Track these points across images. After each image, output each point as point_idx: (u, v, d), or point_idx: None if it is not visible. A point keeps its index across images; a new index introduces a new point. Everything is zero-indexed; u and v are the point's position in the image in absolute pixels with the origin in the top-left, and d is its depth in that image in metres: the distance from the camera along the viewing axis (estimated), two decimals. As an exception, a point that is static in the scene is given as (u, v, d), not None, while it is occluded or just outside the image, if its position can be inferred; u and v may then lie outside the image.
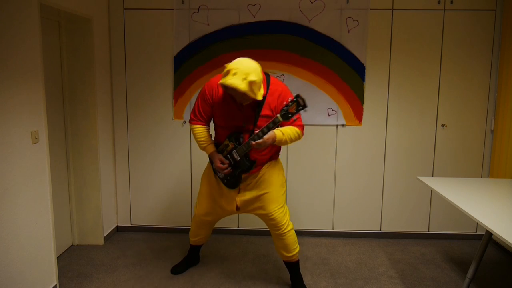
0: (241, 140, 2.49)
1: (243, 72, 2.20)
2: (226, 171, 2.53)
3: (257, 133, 2.37)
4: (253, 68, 2.25)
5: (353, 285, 2.84)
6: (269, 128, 2.34)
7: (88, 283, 2.83)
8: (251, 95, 2.25)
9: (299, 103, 2.27)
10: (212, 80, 2.53)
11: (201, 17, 3.43)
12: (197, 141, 2.62)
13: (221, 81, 2.26)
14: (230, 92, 2.33)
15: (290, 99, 2.31)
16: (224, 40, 3.43)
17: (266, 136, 2.35)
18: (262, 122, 2.44)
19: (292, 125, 2.50)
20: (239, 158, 2.51)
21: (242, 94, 2.28)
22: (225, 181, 2.61)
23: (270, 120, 2.44)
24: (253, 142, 2.36)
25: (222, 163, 2.53)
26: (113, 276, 2.93)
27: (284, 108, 2.30)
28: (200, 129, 2.59)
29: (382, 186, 3.61)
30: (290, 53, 3.42)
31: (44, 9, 2.70)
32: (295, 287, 2.76)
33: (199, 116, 2.58)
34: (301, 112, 2.33)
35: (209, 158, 2.69)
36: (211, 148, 2.59)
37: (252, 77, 2.21)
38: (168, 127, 3.59)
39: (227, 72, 2.24)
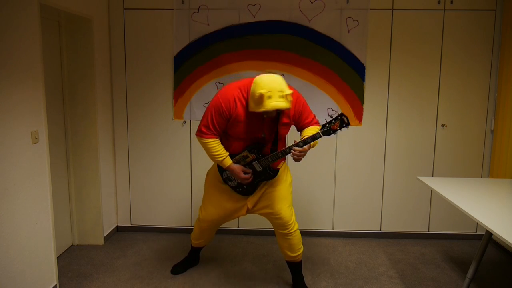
0: (263, 151, 2.48)
1: (277, 90, 2.17)
2: (249, 181, 2.51)
3: (290, 146, 2.35)
4: (280, 82, 2.22)
5: (353, 285, 2.84)
6: (306, 143, 2.34)
7: (88, 283, 2.83)
8: (290, 106, 2.23)
9: (344, 121, 2.29)
10: (227, 93, 2.38)
11: (201, 17, 3.43)
12: (213, 155, 2.48)
13: (260, 109, 2.19)
14: (266, 113, 2.28)
15: (332, 116, 2.31)
16: (224, 40, 3.43)
17: (306, 146, 2.35)
18: (282, 130, 2.46)
19: (312, 124, 2.52)
20: (260, 169, 2.50)
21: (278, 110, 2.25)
22: (240, 189, 2.59)
23: (289, 127, 2.49)
24: (294, 150, 2.34)
25: (245, 173, 2.49)
26: (113, 276, 2.93)
27: (326, 124, 2.31)
28: (215, 143, 2.46)
29: (382, 186, 3.61)
30: (290, 53, 3.42)
31: (44, 9, 2.70)
32: (296, 287, 2.76)
33: (213, 130, 2.43)
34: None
35: (218, 167, 2.63)
36: (228, 161, 2.49)
37: (287, 91, 2.19)
38: (168, 127, 3.59)
39: (261, 98, 2.17)
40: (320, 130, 2.33)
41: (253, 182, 2.55)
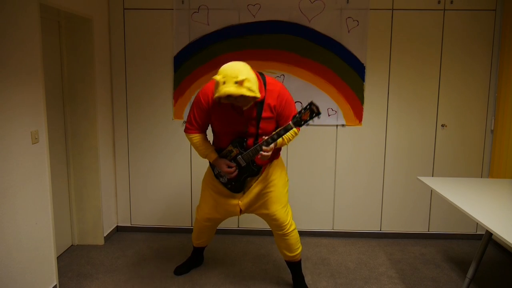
0: (245, 146, 2.46)
1: (231, 76, 2.14)
2: (233, 175, 2.49)
3: (266, 140, 2.31)
4: (239, 68, 2.18)
5: (353, 285, 2.84)
6: (280, 135, 2.30)
7: (88, 283, 2.83)
8: (250, 94, 2.16)
9: (313, 110, 2.23)
10: (206, 87, 2.44)
11: (201, 17, 3.43)
12: (198, 150, 2.54)
13: (215, 95, 2.19)
14: (230, 101, 2.26)
15: (303, 106, 2.27)
16: (224, 40, 3.43)
17: (272, 145, 2.31)
18: (264, 124, 2.42)
19: None
20: (244, 164, 2.49)
21: (241, 98, 2.21)
22: (229, 186, 2.58)
23: (272, 121, 2.45)
24: (263, 148, 2.30)
25: (229, 167, 2.48)
26: (113, 276, 2.93)
27: (297, 115, 2.26)
28: (198, 137, 2.51)
29: (382, 186, 3.61)
30: (290, 53, 3.42)
31: (44, 9, 2.70)
32: (297, 287, 2.76)
33: (196, 125, 2.49)
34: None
35: (210, 164, 2.65)
36: (214, 155, 2.52)
37: (242, 77, 2.14)
38: (168, 127, 3.59)
39: (217, 84, 2.18)
40: (291, 121, 2.27)
41: (240, 178, 2.54)
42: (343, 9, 3.37)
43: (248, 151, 2.43)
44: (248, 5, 3.38)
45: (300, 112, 2.25)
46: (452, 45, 3.41)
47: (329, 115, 3.48)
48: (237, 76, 2.14)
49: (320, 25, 3.39)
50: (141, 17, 3.46)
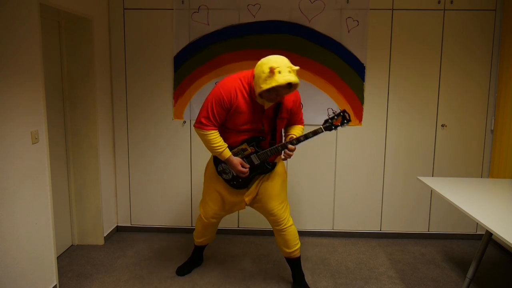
0: (262, 145, 2.49)
1: (286, 65, 2.19)
2: (246, 175, 2.51)
3: (291, 141, 2.39)
4: (287, 59, 2.25)
5: (353, 285, 2.84)
6: (307, 138, 2.37)
7: (88, 283, 2.83)
8: (298, 81, 2.23)
9: (345, 117, 2.35)
10: (228, 84, 2.39)
11: (201, 17, 3.43)
12: (213, 147, 2.44)
13: (272, 84, 2.16)
14: (272, 93, 2.25)
15: (334, 111, 2.35)
16: (224, 40, 3.43)
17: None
18: (279, 123, 2.48)
19: (299, 123, 2.61)
20: (258, 162, 2.51)
21: (286, 90, 2.25)
22: (234, 183, 2.59)
23: (285, 122, 2.52)
24: (289, 146, 2.39)
25: (243, 166, 2.48)
26: (113, 276, 2.93)
27: (329, 120, 2.36)
28: (214, 134, 2.43)
29: (382, 186, 3.61)
30: (290, 53, 3.41)
31: (44, 9, 2.70)
32: (296, 284, 2.76)
33: (214, 121, 2.41)
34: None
35: (214, 159, 2.64)
36: (228, 153, 2.48)
37: (294, 66, 2.21)
38: (168, 127, 3.59)
39: (272, 72, 2.15)
40: (322, 125, 2.39)
41: (249, 175, 2.56)
42: (343, 9, 3.37)
43: (266, 150, 2.46)
44: (248, 5, 3.38)
45: (332, 118, 2.36)
46: (452, 45, 3.41)
47: (328, 115, 3.48)
48: (290, 66, 2.20)
49: (320, 25, 3.39)
50: (141, 17, 3.46)
